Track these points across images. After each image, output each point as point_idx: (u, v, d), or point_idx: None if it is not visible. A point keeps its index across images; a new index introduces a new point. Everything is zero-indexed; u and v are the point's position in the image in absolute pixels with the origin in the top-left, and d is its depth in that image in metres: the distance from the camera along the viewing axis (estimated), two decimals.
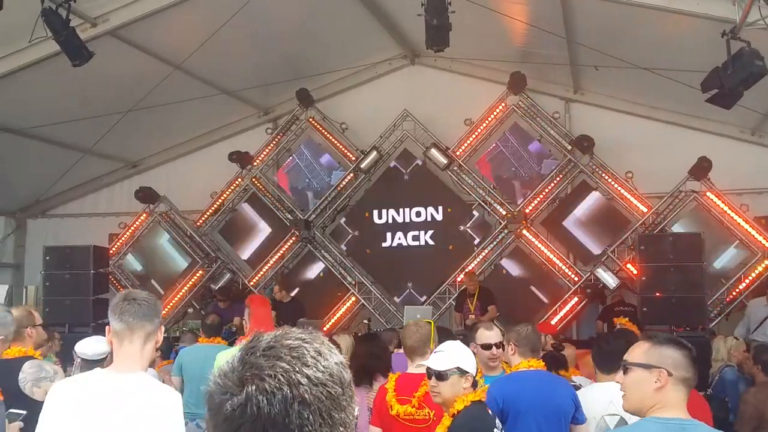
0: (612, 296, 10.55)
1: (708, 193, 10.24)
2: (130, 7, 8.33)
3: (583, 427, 4.08)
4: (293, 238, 11.82)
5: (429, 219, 11.69)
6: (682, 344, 2.54)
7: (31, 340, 4.43)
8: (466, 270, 10.89)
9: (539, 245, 10.99)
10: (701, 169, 10.03)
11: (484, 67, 11.31)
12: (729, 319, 10.05)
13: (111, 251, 11.42)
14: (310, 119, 12.06)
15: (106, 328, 2.87)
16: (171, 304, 11.63)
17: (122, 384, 2.73)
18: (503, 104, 11.36)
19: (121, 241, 12.22)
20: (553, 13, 8.56)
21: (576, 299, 10.74)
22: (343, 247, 11.97)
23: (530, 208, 11.10)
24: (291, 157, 12.57)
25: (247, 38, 9.62)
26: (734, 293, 10.11)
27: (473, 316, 9.82)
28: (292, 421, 1.13)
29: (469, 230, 11.61)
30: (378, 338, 5.97)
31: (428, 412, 3.95)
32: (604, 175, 10.79)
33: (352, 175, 11.84)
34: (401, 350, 4.69)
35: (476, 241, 11.46)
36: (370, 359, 5.12)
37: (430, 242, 11.67)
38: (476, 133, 11.42)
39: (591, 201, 11.07)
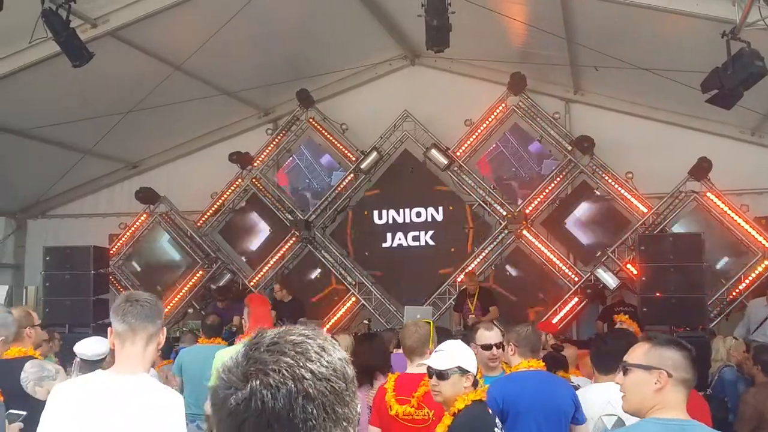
0: (612, 296, 10.55)
1: (708, 194, 10.24)
2: (130, 8, 8.33)
3: (583, 427, 4.08)
4: (293, 239, 11.83)
5: (429, 219, 11.69)
6: (681, 345, 2.54)
7: (30, 340, 4.45)
8: (467, 270, 10.90)
9: (539, 245, 10.99)
10: (701, 169, 10.04)
11: (485, 67, 11.31)
12: (729, 319, 10.05)
13: (111, 252, 11.42)
14: (311, 120, 12.07)
15: (108, 329, 2.87)
16: (171, 304, 11.63)
17: (124, 385, 2.73)
18: (503, 105, 11.37)
19: (121, 241, 12.22)
20: (553, 14, 8.56)
21: (576, 299, 10.75)
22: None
23: (530, 208, 11.10)
24: (291, 158, 12.58)
25: (248, 39, 9.62)
26: (734, 293, 10.11)
27: (473, 316, 9.82)
28: (296, 416, 1.14)
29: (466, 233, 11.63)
30: (377, 338, 5.97)
31: (427, 412, 3.96)
32: (604, 175, 10.79)
33: (352, 175, 11.84)
34: (400, 350, 4.69)
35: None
36: (370, 359, 5.12)
37: (431, 243, 11.68)
38: (476, 134, 11.42)
39: (591, 201, 11.08)
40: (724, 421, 6.07)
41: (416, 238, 11.71)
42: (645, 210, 10.59)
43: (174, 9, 8.39)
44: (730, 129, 10.47)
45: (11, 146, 10.29)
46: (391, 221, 11.79)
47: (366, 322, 10.98)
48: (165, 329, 2.96)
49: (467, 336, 5.17)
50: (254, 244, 12.32)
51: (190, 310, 12.11)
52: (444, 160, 11.17)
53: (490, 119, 11.40)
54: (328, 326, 10.98)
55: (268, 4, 8.55)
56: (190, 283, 12.00)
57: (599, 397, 4.10)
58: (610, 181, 10.74)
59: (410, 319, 7.15)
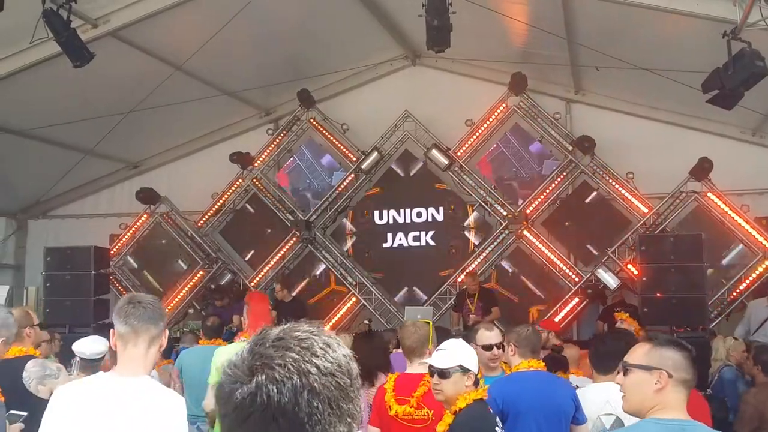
0: (613, 297, 10.55)
1: (709, 194, 10.24)
2: (131, 8, 8.33)
3: (584, 427, 4.08)
4: (294, 239, 11.83)
5: (430, 219, 11.69)
6: (682, 346, 2.54)
7: (30, 340, 4.46)
8: (468, 270, 10.91)
9: (540, 246, 10.99)
10: (702, 169, 10.03)
11: (485, 67, 11.31)
12: (729, 319, 10.05)
13: (112, 252, 11.42)
14: (311, 120, 12.07)
15: (111, 330, 2.87)
16: (172, 304, 11.64)
17: (126, 387, 2.73)
18: (504, 105, 11.36)
19: (122, 241, 12.23)
20: (553, 14, 8.56)
21: (576, 300, 10.74)
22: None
23: (531, 208, 11.10)
24: (292, 158, 12.58)
25: (248, 39, 9.62)
26: (735, 294, 10.11)
27: (474, 316, 9.81)
28: (301, 410, 1.15)
29: (467, 233, 11.62)
30: (377, 337, 5.97)
31: (427, 412, 3.96)
32: (605, 175, 10.79)
33: (353, 175, 11.84)
34: (400, 350, 4.69)
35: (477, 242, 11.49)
36: (370, 358, 5.12)
37: (431, 243, 11.68)
38: (477, 134, 11.42)
39: (592, 201, 11.08)
40: (725, 421, 6.07)
41: (417, 239, 11.71)
42: (645, 210, 10.59)
43: (175, 9, 8.40)
44: (731, 129, 10.47)
45: (12, 146, 10.30)
46: (391, 221, 11.79)
47: (366, 322, 10.94)
48: (167, 331, 2.96)
49: (467, 336, 5.17)
50: (255, 244, 12.32)
51: (191, 311, 12.13)
52: (445, 161, 11.17)
53: (490, 119, 11.40)
54: (328, 326, 10.98)
55: (268, 4, 8.56)
56: (191, 283, 12.01)
57: (598, 396, 4.11)
58: (610, 181, 10.74)
59: (410, 319, 7.15)
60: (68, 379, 4.41)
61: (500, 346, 4.47)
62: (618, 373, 2.62)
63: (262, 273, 11.93)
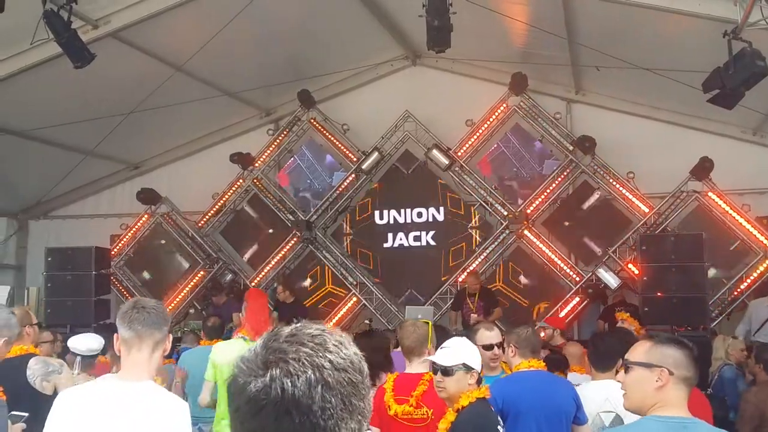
0: (613, 296, 10.54)
1: (710, 194, 10.24)
2: (131, 9, 8.33)
3: (585, 427, 4.08)
4: (294, 239, 11.84)
5: (430, 219, 11.69)
6: (683, 343, 2.55)
7: (30, 338, 4.48)
8: (470, 269, 10.91)
9: (541, 245, 10.99)
10: (703, 169, 10.03)
11: (486, 67, 11.31)
12: (730, 319, 10.05)
13: (113, 252, 11.43)
14: (312, 120, 12.07)
15: (114, 335, 2.87)
16: (172, 304, 11.64)
17: (129, 392, 2.73)
18: (504, 105, 11.36)
19: (122, 242, 12.24)
20: (554, 14, 8.56)
21: (577, 299, 10.75)
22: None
23: (532, 208, 11.10)
24: (292, 158, 12.59)
25: (249, 40, 9.62)
26: (735, 293, 10.11)
27: (475, 316, 9.80)
28: (315, 403, 1.16)
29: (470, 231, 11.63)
30: (377, 336, 5.97)
31: (426, 411, 3.96)
32: (605, 175, 10.79)
33: (353, 176, 11.84)
34: (398, 349, 4.69)
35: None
36: (372, 357, 5.10)
37: (432, 243, 11.68)
38: (478, 134, 11.42)
39: (592, 201, 11.08)
40: (725, 420, 6.07)
41: (417, 238, 11.71)
42: (646, 210, 10.59)
43: (175, 10, 8.40)
44: (732, 129, 10.46)
45: (13, 147, 10.30)
46: (392, 221, 11.79)
47: (367, 322, 10.99)
48: (171, 336, 2.97)
49: (467, 336, 5.17)
50: (255, 244, 12.32)
51: (192, 311, 12.13)
52: (445, 161, 11.17)
53: (491, 119, 11.40)
54: (329, 326, 10.97)
55: (268, 4, 8.56)
56: (192, 283, 12.01)
57: (597, 394, 4.12)
58: (611, 181, 10.74)
59: (411, 318, 7.14)
60: (71, 376, 4.43)
61: (501, 345, 4.47)
62: (617, 371, 2.62)
63: (263, 273, 11.94)
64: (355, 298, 11.62)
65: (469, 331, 6.35)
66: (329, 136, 12.02)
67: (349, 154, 11.90)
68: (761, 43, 6.48)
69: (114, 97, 9.80)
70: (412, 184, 11.76)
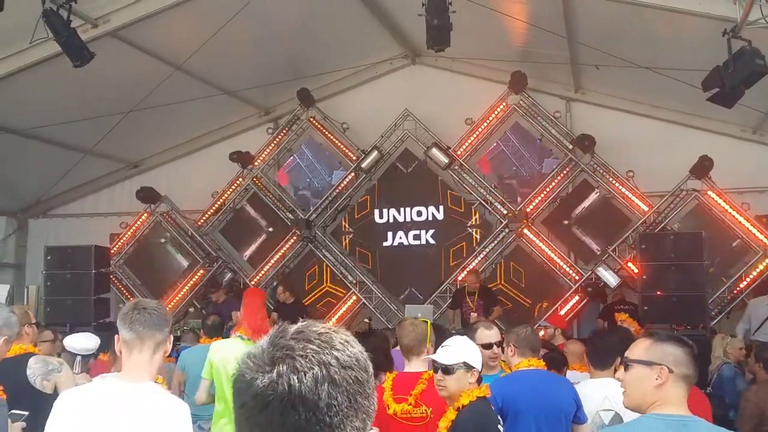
0: (613, 295, 10.55)
1: (709, 192, 10.24)
2: (131, 8, 8.33)
3: (585, 426, 4.08)
4: (294, 238, 11.84)
5: (430, 218, 11.69)
6: (683, 341, 2.55)
7: (29, 338, 4.48)
8: (470, 268, 10.91)
9: (540, 244, 11.00)
10: (702, 167, 10.04)
11: (485, 66, 11.31)
12: (730, 317, 10.06)
13: (112, 251, 11.43)
14: (311, 119, 12.07)
15: (116, 337, 2.88)
16: (172, 303, 11.64)
17: (130, 393, 2.74)
18: (504, 104, 11.37)
19: (122, 240, 12.24)
20: (553, 13, 8.56)
21: (577, 298, 10.75)
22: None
23: (531, 207, 11.10)
24: (292, 157, 12.59)
25: (248, 38, 9.62)
26: (735, 292, 10.11)
27: (475, 315, 9.80)
28: (321, 399, 1.16)
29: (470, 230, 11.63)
30: (377, 335, 5.97)
31: (425, 410, 3.95)
32: (605, 174, 10.79)
33: (353, 174, 11.84)
34: (397, 348, 4.69)
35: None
36: (372, 357, 5.10)
37: (431, 241, 11.68)
38: (477, 133, 11.42)
39: (592, 200, 11.08)
40: (725, 419, 6.08)
41: (417, 237, 11.71)
42: (646, 208, 10.60)
43: (174, 9, 8.39)
44: (731, 127, 10.47)
45: (12, 146, 10.30)
46: (391, 220, 11.79)
47: (367, 320, 10.99)
48: (171, 337, 2.97)
49: (466, 335, 5.17)
50: (255, 243, 12.31)
51: (191, 309, 12.12)
52: (445, 159, 11.17)
53: (490, 118, 11.40)
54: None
55: (268, 4, 8.56)
56: (191, 282, 12.01)
57: (596, 392, 4.12)
58: (611, 179, 10.74)
59: (410, 317, 7.14)
60: (71, 375, 4.43)
61: (500, 344, 4.47)
62: (615, 369, 2.62)
63: (263, 272, 11.94)
64: (354, 297, 11.62)
65: (468, 330, 6.36)
66: (329, 135, 12.02)
67: (349, 153, 11.90)
68: (761, 41, 6.48)
69: (113, 95, 9.80)
70: (411, 183, 11.75)
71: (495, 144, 11.64)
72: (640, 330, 7.69)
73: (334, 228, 12.18)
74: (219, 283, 11.63)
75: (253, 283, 11.74)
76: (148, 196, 11.94)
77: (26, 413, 3.64)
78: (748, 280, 10.08)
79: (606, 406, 4.00)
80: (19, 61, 8.49)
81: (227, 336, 7.14)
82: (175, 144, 12.61)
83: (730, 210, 10.11)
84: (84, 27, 8.00)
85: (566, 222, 11.19)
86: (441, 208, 11.62)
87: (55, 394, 3.88)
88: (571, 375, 5.47)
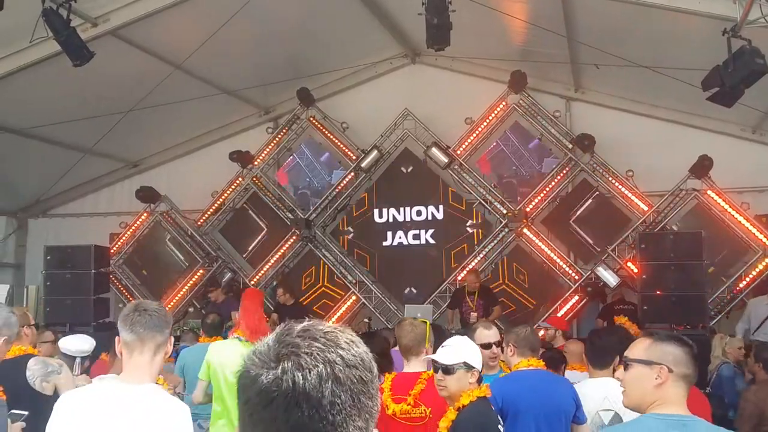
0: (612, 294, 10.55)
1: (709, 192, 10.24)
2: (130, 7, 8.33)
3: (585, 426, 4.08)
4: (294, 237, 11.83)
5: (430, 218, 11.69)
6: (683, 341, 2.55)
7: (28, 339, 4.48)
8: (470, 267, 10.90)
9: (540, 244, 10.99)
10: (702, 167, 10.04)
11: (485, 65, 11.31)
12: (729, 317, 10.05)
13: (112, 251, 11.42)
14: (311, 118, 12.07)
15: (116, 338, 2.87)
16: (172, 303, 11.64)
17: (131, 394, 2.73)
18: (504, 103, 11.37)
19: (122, 240, 12.24)
20: (553, 12, 8.56)
21: (576, 297, 10.75)
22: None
23: (531, 206, 11.10)
24: (291, 157, 12.58)
25: (248, 38, 9.62)
26: (735, 291, 10.11)
27: (475, 314, 9.79)
28: (325, 397, 1.17)
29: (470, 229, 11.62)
30: (377, 336, 5.96)
31: (425, 410, 3.95)
32: (604, 173, 10.79)
33: (352, 174, 11.84)
34: (396, 348, 4.69)
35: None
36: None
37: (431, 241, 11.67)
38: (477, 132, 11.42)
39: (592, 199, 11.08)
40: (724, 419, 6.08)
41: (417, 237, 11.70)
42: (645, 208, 10.60)
43: (174, 8, 8.39)
44: (731, 127, 10.47)
45: (12, 146, 10.29)
46: (391, 219, 11.79)
47: (366, 320, 10.99)
48: (172, 338, 2.97)
49: (465, 335, 5.17)
50: (255, 243, 12.31)
51: (191, 309, 12.12)
52: (444, 159, 11.17)
53: (490, 117, 11.40)
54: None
55: (268, 3, 8.56)
56: (191, 282, 12.01)
57: (596, 392, 4.12)
58: (610, 179, 10.74)
59: (409, 317, 7.14)
60: (71, 377, 4.43)
61: (499, 344, 4.47)
62: (614, 369, 2.62)
63: (263, 271, 11.94)
64: (354, 297, 11.61)
65: (467, 329, 6.36)
66: (328, 135, 12.02)
67: (349, 153, 11.90)
68: (760, 40, 6.48)
69: (113, 95, 9.79)
70: (411, 183, 11.75)
71: (495, 143, 11.64)
72: (639, 333, 7.69)
73: (334, 228, 12.17)
74: (217, 281, 11.62)
75: (252, 282, 11.74)
76: (147, 195, 11.94)
77: (26, 413, 3.64)
78: (747, 279, 10.08)
79: (606, 406, 4.00)
80: (19, 61, 8.49)
81: (226, 336, 7.15)
82: (174, 143, 12.61)
83: (729, 209, 10.11)
84: (84, 26, 8.00)
85: (566, 221, 11.17)
86: (441, 207, 11.62)
87: (55, 395, 3.87)
88: (570, 375, 5.47)
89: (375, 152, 11.48)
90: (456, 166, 11.31)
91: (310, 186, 12.57)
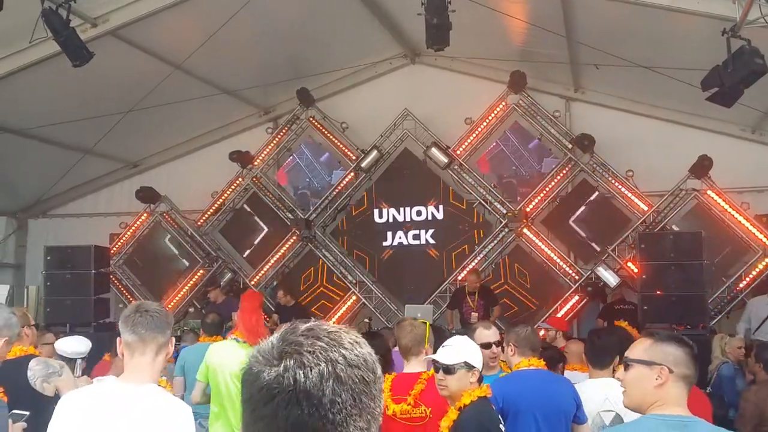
0: (612, 294, 10.55)
1: (709, 192, 10.25)
2: (130, 7, 8.32)
3: (585, 426, 4.08)
4: (294, 238, 11.83)
5: (429, 218, 11.69)
6: (683, 341, 2.55)
7: (28, 340, 4.49)
8: (470, 267, 10.90)
9: (540, 244, 10.99)
10: (702, 167, 10.04)
11: (485, 66, 11.31)
12: (730, 317, 10.06)
13: (112, 251, 11.43)
14: (311, 119, 12.07)
15: (117, 339, 2.88)
16: (172, 303, 11.64)
17: (132, 395, 2.74)
18: (503, 103, 11.37)
19: (122, 240, 12.24)
20: (553, 12, 8.56)
21: (577, 298, 10.75)
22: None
23: (531, 206, 11.10)
24: (291, 157, 12.58)
25: (248, 38, 9.62)
26: (735, 291, 10.12)
27: (476, 314, 9.80)
28: (326, 396, 1.18)
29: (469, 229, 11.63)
30: (378, 337, 5.96)
31: (425, 410, 3.96)
32: (604, 173, 10.80)
33: (352, 174, 11.84)
34: (396, 348, 4.69)
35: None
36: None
37: (431, 241, 11.67)
38: (477, 132, 11.42)
39: (592, 199, 11.08)
40: (724, 419, 6.08)
41: (417, 237, 11.70)
42: (645, 208, 10.60)
43: (174, 8, 8.39)
44: (731, 127, 10.47)
45: (12, 146, 10.29)
46: (391, 220, 11.79)
47: (366, 320, 10.99)
48: (173, 339, 2.98)
49: (465, 335, 5.17)
50: (255, 243, 12.31)
51: (191, 309, 12.12)
52: (444, 159, 11.17)
53: (490, 117, 11.41)
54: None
55: (268, 3, 8.56)
56: (191, 282, 12.01)
57: (597, 393, 4.12)
58: (610, 179, 10.75)
59: (409, 317, 7.14)
60: (72, 378, 4.43)
61: (499, 344, 4.47)
62: (614, 369, 2.62)
63: (263, 272, 11.94)
64: (354, 297, 11.61)
65: (467, 329, 6.36)
66: (328, 135, 12.02)
67: (348, 153, 11.90)
68: (760, 40, 6.48)
69: (113, 95, 9.79)
70: (411, 183, 11.75)
71: (494, 143, 11.64)
72: (639, 336, 7.68)
73: (334, 228, 12.17)
74: (216, 280, 11.61)
75: (252, 283, 11.75)
76: (147, 195, 11.93)
77: (27, 413, 3.64)
78: (747, 279, 10.09)
79: (606, 407, 4.00)
80: (19, 61, 8.49)
81: (226, 336, 7.15)
82: (174, 143, 12.60)
83: (729, 209, 10.12)
84: (83, 26, 8.00)
85: (566, 221, 11.17)
86: (441, 207, 11.62)
87: (56, 397, 3.88)
88: (571, 375, 5.47)
89: (375, 152, 11.48)
90: (456, 166, 11.31)
91: (310, 186, 12.57)
